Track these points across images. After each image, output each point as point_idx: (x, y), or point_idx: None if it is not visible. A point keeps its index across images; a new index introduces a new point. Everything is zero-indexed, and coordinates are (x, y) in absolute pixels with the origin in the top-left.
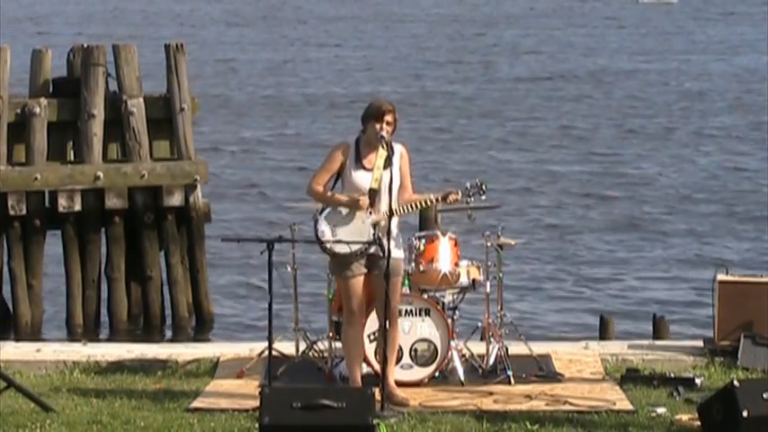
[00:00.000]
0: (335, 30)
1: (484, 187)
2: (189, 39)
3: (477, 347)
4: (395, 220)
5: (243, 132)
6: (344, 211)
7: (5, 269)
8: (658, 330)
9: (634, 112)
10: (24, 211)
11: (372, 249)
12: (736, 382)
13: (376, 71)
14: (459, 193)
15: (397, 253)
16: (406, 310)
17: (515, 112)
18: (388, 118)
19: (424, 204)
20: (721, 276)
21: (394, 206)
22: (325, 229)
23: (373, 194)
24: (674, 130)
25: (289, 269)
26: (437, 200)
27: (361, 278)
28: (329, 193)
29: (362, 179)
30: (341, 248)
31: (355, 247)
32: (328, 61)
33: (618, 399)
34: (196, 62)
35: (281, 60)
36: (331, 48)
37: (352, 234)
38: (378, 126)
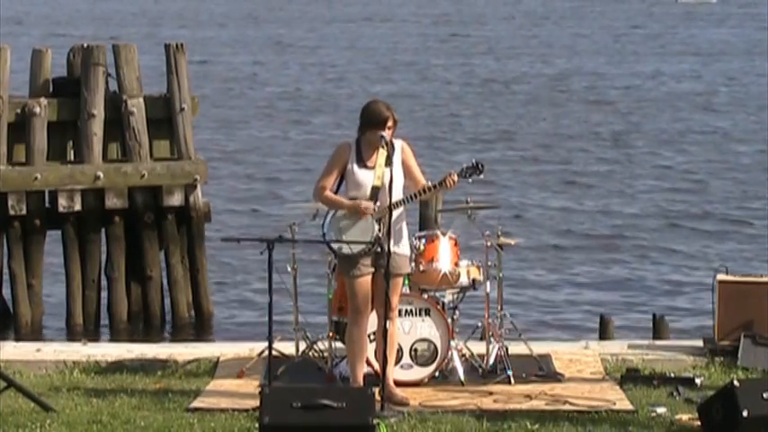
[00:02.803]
0: (322, 30)
1: (480, 167)
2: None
3: (477, 347)
4: (401, 216)
5: (233, 133)
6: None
7: (5, 269)
8: (658, 330)
9: (633, 113)
10: (24, 211)
11: (378, 248)
12: (736, 382)
13: (364, 72)
14: (456, 175)
15: (403, 249)
16: (406, 310)
17: (515, 114)
18: (389, 123)
19: (423, 193)
20: (721, 276)
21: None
22: (331, 230)
23: (376, 192)
24: (672, 130)
25: (289, 269)
26: (435, 186)
27: (369, 277)
28: (334, 197)
29: (365, 178)
30: (345, 249)
31: (357, 247)
32: (313, 62)
33: (618, 399)
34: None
35: (264, 62)
36: (319, 48)
37: (357, 233)
38: (380, 133)
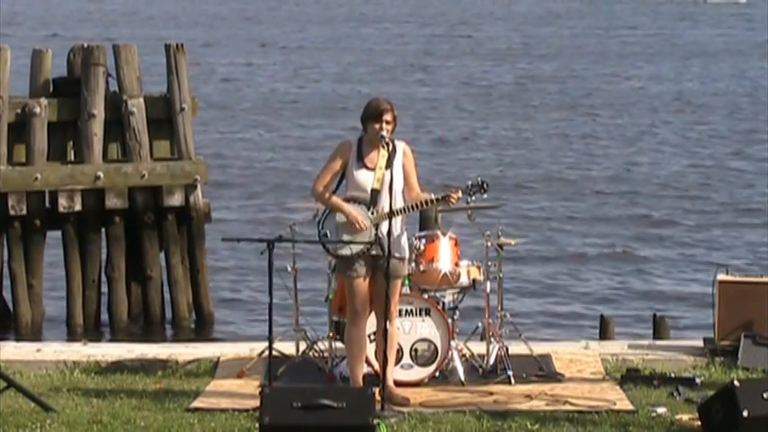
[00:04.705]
0: (314, 31)
1: (485, 186)
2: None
3: (478, 347)
4: (398, 221)
5: (232, 134)
6: None
7: (5, 269)
8: (658, 330)
9: (634, 111)
10: (24, 211)
11: (374, 250)
12: (736, 382)
13: (356, 73)
14: (460, 192)
15: (401, 253)
16: (406, 310)
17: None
18: (387, 117)
19: (425, 205)
20: (721, 276)
21: (396, 206)
22: (328, 230)
23: (375, 194)
24: (670, 129)
25: (289, 269)
26: (438, 200)
27: (366, 278)
28: (332, 198)
29: (365, 178)
30: (344, 250)
31: (356, 248)
32: (307, 64)
33: (618, 399)
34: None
35: (258, 63)
36: (312, 50)
37: (354, 235)
38: (377, 126)
